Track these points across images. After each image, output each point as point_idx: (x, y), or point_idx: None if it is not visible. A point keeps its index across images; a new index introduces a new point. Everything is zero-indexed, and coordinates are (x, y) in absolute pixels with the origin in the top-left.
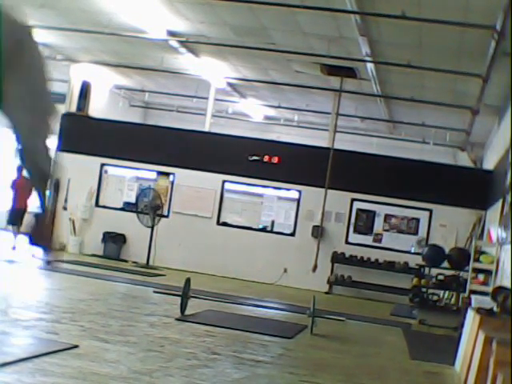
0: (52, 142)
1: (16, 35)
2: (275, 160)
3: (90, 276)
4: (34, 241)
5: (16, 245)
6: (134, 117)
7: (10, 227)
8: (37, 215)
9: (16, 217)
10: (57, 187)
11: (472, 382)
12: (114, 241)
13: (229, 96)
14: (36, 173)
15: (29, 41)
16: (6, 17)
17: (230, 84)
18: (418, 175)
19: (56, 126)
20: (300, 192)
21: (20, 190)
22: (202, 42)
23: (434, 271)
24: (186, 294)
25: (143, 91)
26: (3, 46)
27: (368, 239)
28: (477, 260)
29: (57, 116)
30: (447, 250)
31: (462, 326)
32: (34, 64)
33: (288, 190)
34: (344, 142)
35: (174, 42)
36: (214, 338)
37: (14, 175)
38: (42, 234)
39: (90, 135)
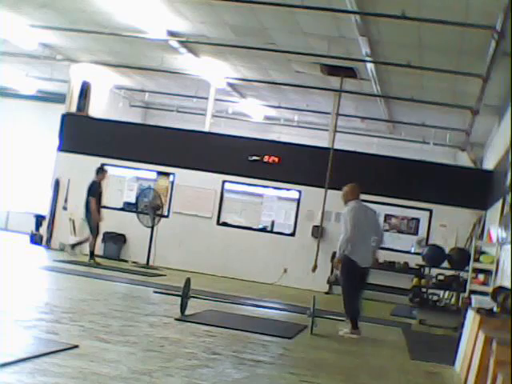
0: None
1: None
2: (275, 160)
3: (90, 276)
4: None
5: None
6: (134, 117)
7: None
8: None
9: None
10: (56, 187)
11: (472, 382)
12: (114, 241)
13: (229, 96)
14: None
15: (374, 214)
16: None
17: (230, 84)
18: (417, 175)
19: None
20: (300, 192)
21: None
22: (202, 42)
23: (434, 271)
24: (185, 294)
25: (143, 91)
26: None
27: None
28: (477, 260)
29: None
30: (447, 250)
31: (462, 326)
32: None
33: (288, 190)
34: (344, 142)
35: (173, 42)
36: (214, 338)
37: None
38: None
39: (90, 135)
